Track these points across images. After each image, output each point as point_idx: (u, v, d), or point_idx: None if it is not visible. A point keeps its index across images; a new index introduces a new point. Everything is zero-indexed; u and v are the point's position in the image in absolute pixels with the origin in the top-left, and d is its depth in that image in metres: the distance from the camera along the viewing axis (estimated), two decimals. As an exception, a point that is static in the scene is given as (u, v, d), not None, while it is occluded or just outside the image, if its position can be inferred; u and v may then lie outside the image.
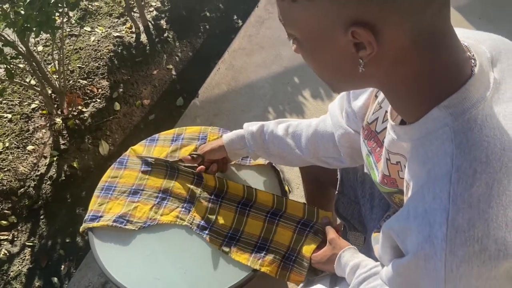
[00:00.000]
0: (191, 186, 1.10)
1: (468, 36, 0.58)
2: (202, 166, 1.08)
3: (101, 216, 1.06)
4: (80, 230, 1.05)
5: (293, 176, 1.76)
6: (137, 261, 0.99)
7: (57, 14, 1.74)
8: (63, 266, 1.62)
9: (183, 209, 1.06)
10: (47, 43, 2.43)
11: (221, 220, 1.03)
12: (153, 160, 1.15)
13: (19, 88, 2.22)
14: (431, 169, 0.49)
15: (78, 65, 2.30)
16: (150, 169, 1.15)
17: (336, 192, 1.05)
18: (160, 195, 1.09)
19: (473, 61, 0.51)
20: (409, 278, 0.51)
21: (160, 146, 1.20)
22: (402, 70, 0.50)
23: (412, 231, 0.49)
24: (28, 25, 1.58)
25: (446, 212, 0.46)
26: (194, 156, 1.09)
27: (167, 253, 1.00)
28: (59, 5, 1.66)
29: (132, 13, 2.51)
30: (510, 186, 0.45)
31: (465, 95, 0.49)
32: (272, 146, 0.99)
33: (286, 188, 1.12)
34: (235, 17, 2.61)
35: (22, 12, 1.53)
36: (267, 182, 1.13)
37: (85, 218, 1.06)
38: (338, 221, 1.28)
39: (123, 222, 1.04)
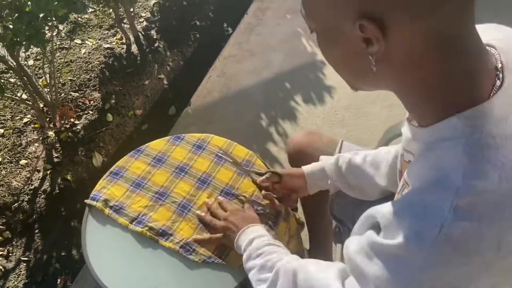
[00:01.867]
0: (191, 190, 1.11)
1: (508, 39, 0.56)
2: (269, 193, 1.04)
3: (100, 197, 1.10)
4: (86, 201, 1.11)
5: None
6: (131, 271, 0.99)
7: (46, 27, 1.74)
8: (59, 280, 1.61)
9: (175, 214, 1.07)
10: (38, 57, 2.43)
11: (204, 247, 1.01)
12: (229, 159, 1.16)
13: (10, 103, 2.21)
14: (441, 177, 0.48)
15: (69, 78, 2.30)
16: (159, 165, 1.17)
17: (330, 193, 1.05)
18: (160, 190, 1.11)
19: (499, 73, 0.50)
20: (379, 256, 0.50)
21: (181, 147, 1.21)
22: (414, 73, 0.50)
23: (403, 222, 0.48)
24: (18, 39, 1.58)
25: (444, 218, 0.45)
26: (274, 173, 1.05)
27: (159, 262, 1.00)
28: (48, 18, 1.67)
29: (122, 24, 2.51)
30: None
31: (488, 110, 0.47)
32: (351, 177, 0.95)
33: None
34: (225, 24, 2.63)
35: (11, 26, 1.53)
36: None
37: (90, 196, 1.12)
38: (334, 223, 1.28)
39: (118, 211, 1.07)
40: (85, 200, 1.10)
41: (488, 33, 0.57)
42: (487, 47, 0.53)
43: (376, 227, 0.53)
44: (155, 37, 2.57)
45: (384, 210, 0.52)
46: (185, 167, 1.16)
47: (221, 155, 1.17)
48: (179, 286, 0.96)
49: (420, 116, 0.55)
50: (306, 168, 1.02)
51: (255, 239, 0.87)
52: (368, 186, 0.94)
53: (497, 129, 0.47)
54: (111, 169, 1.18)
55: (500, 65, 0.51)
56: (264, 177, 1.05)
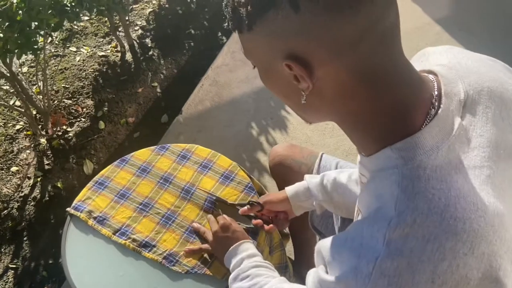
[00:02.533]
0: (176, 201, 1.11)
1: (454, 65, 0.56)
2: (259, 221, 1.02)
3: (84, 208, 1.11)
4: (67, 209, 1.11)
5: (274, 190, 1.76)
6: (110, 282, 0.99)
7: (39, 36, 1.76)
8: (45, 288, 1.61)
9: (159, 225, 1.07)
10: (32, 64, 2.45)
11: (189, 257, 1.02)
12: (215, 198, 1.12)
13: (3, 110, 2.22)
14: (378, 208, 0.49)
15: (63, 85, 2.31)
16: (144, 175, 1.17)
17: (317, 213, 1.05)
18: (144, 201, 1.12)
19: (435, 102, 0.50)
20: None
21: (165, 157, 1.22)
22: (345, 107, 0.51)
23: (342, 257, 0.50)
24: (9, 48, 1.59)
25: (378, 253, 0.46)
26: (255, 203, 1.04)
27: (140, 274, 1.00)
28: (40, 27, 1.68)
29: (118, 32, 2.53)
30: (447, 243, 0.44)
31: (419, 141, 0.48)
32: (336, 195, 0.94)
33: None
34: (219, 34, 2.65)
35: (1, 35, 1.55)
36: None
37: (73, 205, 1.12)
38: (318, 238, 1.29)
39: (102, 222, 1.08)
40: (68, 209, 1.11)
41: (433, 58, 0.58)
42: (428, 74, 0.54)
43: (324, 261, 0.54)
44: (149, 45, 2.58)
45: (327, 244, 0.54)
46: (169, 177, 1.17)
47: (209, 198, 1.12)
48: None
49: (361, 147, 0.56)
50: (289, 190, 1.00)
51: (245, 260, 0.87)
52: (354, 204, 0.93)
53: (428, 160, 0.48)
54: (96, 178, 1.18)
55: (436, 93, 0.51)
56: (245, 207, 1.04)
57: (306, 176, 1.00)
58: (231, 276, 0.87)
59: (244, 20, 0.49)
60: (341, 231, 0.97)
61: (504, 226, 0.47)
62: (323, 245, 0.55)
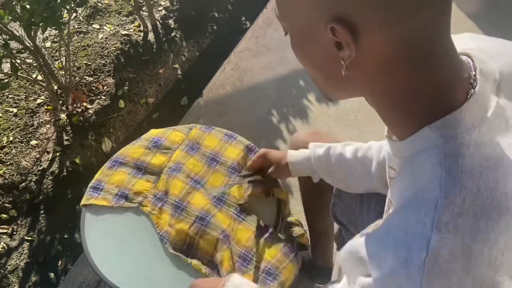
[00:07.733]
0: (184, 190, 1.10)
1: (483, 48, 0.55)
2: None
3: (102, 189, 1.10)
4: (81, 204, 1.08)
5: (293, 180, 1.73)
6: (127, 259, 0.98)
7: (65, 10, 1.74)
8: (60, 262, 1.62)
9: (174, 218, 1.05)
10: (55, 39, 2.45)
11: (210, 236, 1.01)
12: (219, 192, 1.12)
13: (25, 83, 2.23)
14: (418, 191, 0.46)
15: (85, 62, 2.31)
16: (156, 148, 1.18)
17: (333, 195, 1.03)
18: (162, 172, 1.12)
19: (473, 82, 0.49)
20: None
21: (177, 131, 1.22)
22: (385, 81, 0.48)
23: (388, 253, 0.45)
24: (34, 20, 1.58)
25: (427, 239, 0.42)
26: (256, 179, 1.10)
27: (158, 251, 0.99)
28: (66, 1, 1.67)
29: (141, 12, 2.51)
30: (500, 223, 0.42)
31: (460, 118, 0.46)
32: (338, 170, 0.94)
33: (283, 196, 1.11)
34: (243, 18, 2.61)
35: (28, 6, 1.54)
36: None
37: (88, 187, 1.11)
38: (336, 226, 1.26)
39: (122, 199, 1.07)
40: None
41: (462, 42, 0.56)
42: (462, 56, 0.52)
43: (362, 263, 0.50)
44: (172, 26, 2.56)
45: (366, 242, 0.50)
46: (196, 145, 1.17)
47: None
48: (176, 276, 0.95)
49: (396, 128, 0.53)
50: (291, 157, 1.01)
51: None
52: (354, 181, 0.93)
53: (471, 137, 0.46)
54: (114, 156, 1.17)
55: (474, 73, 0.50)
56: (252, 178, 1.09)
57: (311, 145, 0.99)
58: None
59: None
60: (366, 220, 0.95)
61: None
62: (359, 243, 0.51)
